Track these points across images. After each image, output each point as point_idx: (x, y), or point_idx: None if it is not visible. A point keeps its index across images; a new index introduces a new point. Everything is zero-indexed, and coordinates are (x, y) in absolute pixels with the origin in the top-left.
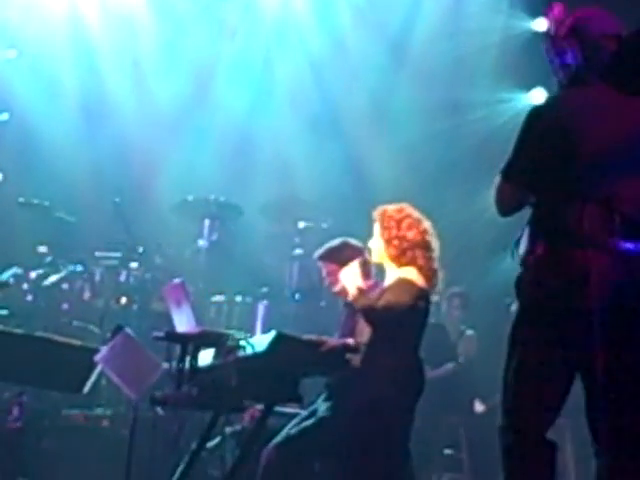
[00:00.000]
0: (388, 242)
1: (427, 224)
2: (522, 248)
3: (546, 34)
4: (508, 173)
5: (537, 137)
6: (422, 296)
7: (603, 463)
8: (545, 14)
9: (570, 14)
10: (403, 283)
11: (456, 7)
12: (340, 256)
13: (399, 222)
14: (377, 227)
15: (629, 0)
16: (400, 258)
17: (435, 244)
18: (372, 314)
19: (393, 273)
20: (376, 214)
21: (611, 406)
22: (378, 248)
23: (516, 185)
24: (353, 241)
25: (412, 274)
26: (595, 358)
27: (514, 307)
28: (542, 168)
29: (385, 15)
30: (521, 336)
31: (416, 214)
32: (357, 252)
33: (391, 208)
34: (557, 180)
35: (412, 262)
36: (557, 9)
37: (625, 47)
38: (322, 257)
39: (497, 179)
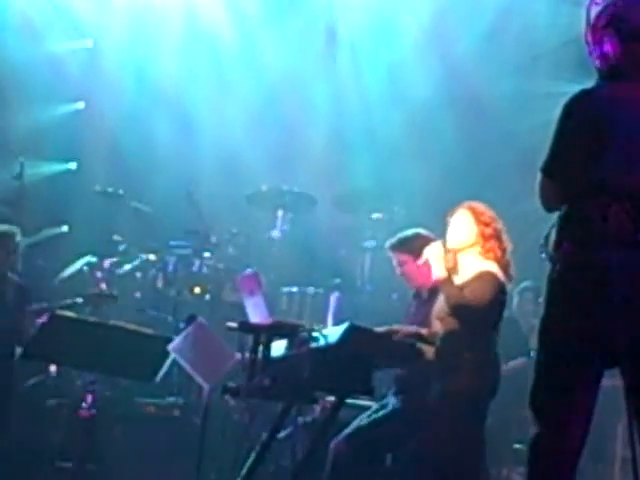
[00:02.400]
0: (481, 230)
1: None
2: (551, 244)
3: (586, 22)
4: (547, 169)
5: (570, 131)
6: (503, 290)
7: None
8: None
9: (611, 3)
10: (487, 275)
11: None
12: (413, 246)
13: (489, 214)
14: (467, 218)
15: None
16: (486, 247)
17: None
18: (460, 302)
19: (474, 264)
20: (467, 207)
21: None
22: (465, 235)
23: (555, 180)
24: (425, 232)
25: (494, 267)
26: (621, 354)
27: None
28: (573, 162)
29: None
30: (548, 332)
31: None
32: (429, 242)
33: (476, 203)
34: (585, 175)
35: (495, 252)
36: None
37: None
38: (394, 247)
39: (539, 176)
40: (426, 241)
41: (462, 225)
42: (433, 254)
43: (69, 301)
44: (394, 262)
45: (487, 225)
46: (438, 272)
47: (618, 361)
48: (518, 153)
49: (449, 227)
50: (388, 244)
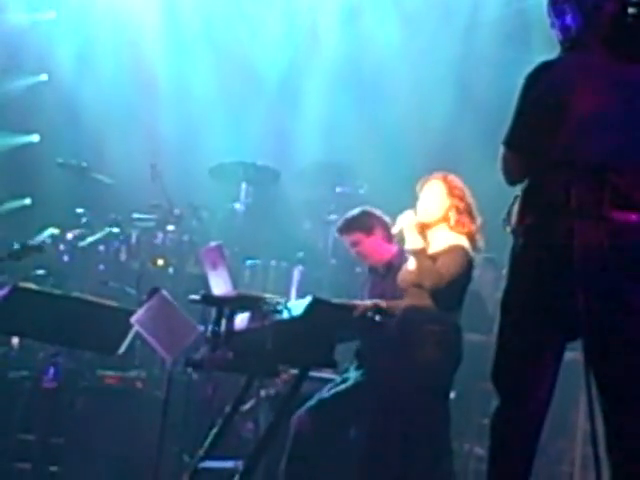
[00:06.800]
0: (453, 205)
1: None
2: (513, 217)
3: None
4: (509, 141)
5: (531, 103)
6: (472, 264)
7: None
8: None
9: None
10: (459, 249)
11: None
12: (362, 223)
13: (462, 188)
14: (439, 189)
15: None
16: (458, 222)
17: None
18: (431, 274)
19: (445, 237)
20: (440, 177)
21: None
22: (437, 208)
23: (518, 153)
24: (372, 209)
25: (464, 241)
26: (580, 325)
27: (504, 272)
28: (535, 135)
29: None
30: (510, 305)
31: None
32: (378, 219)
33: (451, 175)
34: (547, 148)
35: (466, 227)
36: None
37: (626, 10)
38: (342, 230)
39: (501, 148)
40: (374, 217)
41: (434, 197)
42: (406, 223)
43: None
44: (347, 245)
45: (460, 199)
46: (412, 242)
47: (578, 333)
48: (483, 124)
49: (421, 197)
50: (337, 229)
